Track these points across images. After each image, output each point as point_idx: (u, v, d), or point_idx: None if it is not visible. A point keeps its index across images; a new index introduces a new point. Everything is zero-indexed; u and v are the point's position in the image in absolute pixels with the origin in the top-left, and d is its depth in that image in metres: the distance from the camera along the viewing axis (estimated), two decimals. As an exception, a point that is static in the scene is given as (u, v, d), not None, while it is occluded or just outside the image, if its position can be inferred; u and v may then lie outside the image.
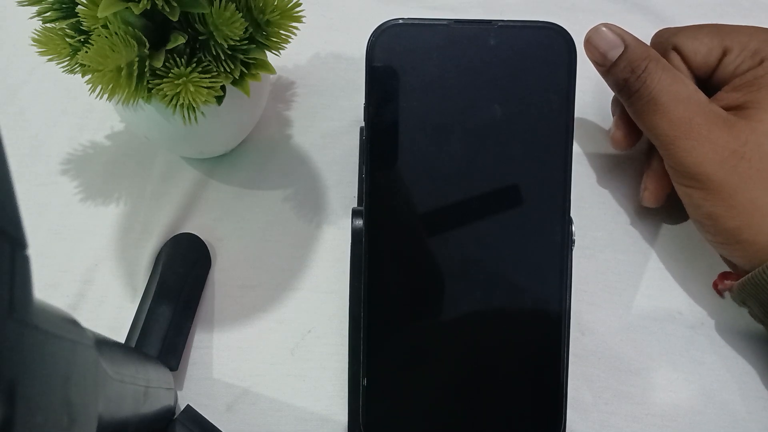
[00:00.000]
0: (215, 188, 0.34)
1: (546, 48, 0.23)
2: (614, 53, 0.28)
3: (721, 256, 0.30)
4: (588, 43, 0.29)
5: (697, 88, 0.28)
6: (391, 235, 0.24)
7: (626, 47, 0.28)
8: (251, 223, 0.33)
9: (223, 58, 0.25)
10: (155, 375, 0.25)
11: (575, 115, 0.24)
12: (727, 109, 0.28)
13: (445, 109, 0.23)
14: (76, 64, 0.26)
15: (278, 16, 0.26)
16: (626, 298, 0.32)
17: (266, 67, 0.27)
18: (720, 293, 0.31)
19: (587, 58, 0.30)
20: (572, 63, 0.23)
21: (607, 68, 0.29)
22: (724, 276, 0.30)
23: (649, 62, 0.28)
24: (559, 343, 0.24)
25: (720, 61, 0.29)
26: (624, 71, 0.28)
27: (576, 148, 0.24)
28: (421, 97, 0.23)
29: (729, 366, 0.30)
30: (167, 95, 0.25)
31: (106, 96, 0.24)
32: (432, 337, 0.24)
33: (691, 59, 0.30)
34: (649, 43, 0.31)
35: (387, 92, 0.23)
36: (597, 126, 0.36)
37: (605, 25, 0.29)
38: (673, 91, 0.27)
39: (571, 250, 0.24)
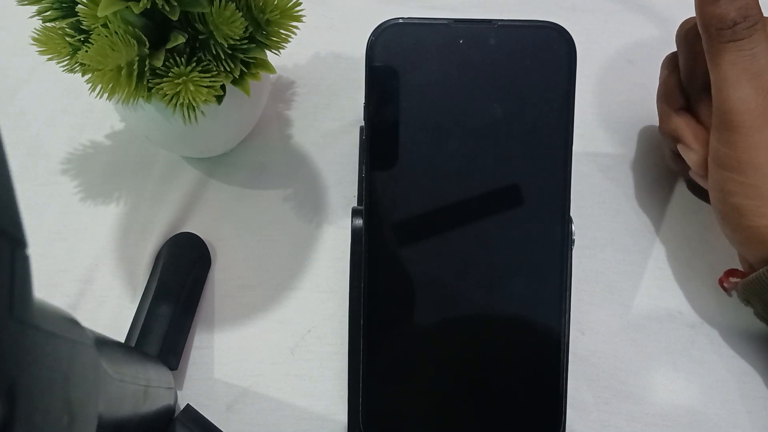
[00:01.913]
0: (215, 188, 0.34)
1: (546, 48, 0.23)
2: None
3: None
4: None
5: None
6: (391, 235, 0.24)
7: None
8: (251, 223, 0.33)
9: (223, 57, 0.25)
10: (155, 374, 0.25)
11: (575, 115, 0.24)
12: None
13: (444, 108, 0.23)
14: (76, 63, 0.26)
15: (278, 16, 0.26)
16: (626, 298, 0.32)
17: (266, 66, 0.27)
18: (726, 291, 0.30)
19: (588, 56, 0.29)
20: (572, 63, 0.23)
21: None
22: (729, 273, 0.29)
23: (763, 18, 0.25)
24: (559, 343, 0.24)
25: None
26: (738, 12, 0.25)
27: (576, 148, 0.24)
28: (421, 97, 0.23)
29: (729, 366, 0.30)
30: (167, 95, 0.25)
31: (106, 95, 0.24)
32: (431, 336, 0.24)
33: None
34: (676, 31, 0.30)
35: (387, 92, 0.23)
36: (597, 126, 0.36)
37: None
38: None
39: (571, 249, 0.24)
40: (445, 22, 0.23)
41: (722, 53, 0.26)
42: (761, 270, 0.26)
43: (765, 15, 0.26)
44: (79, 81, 0.26)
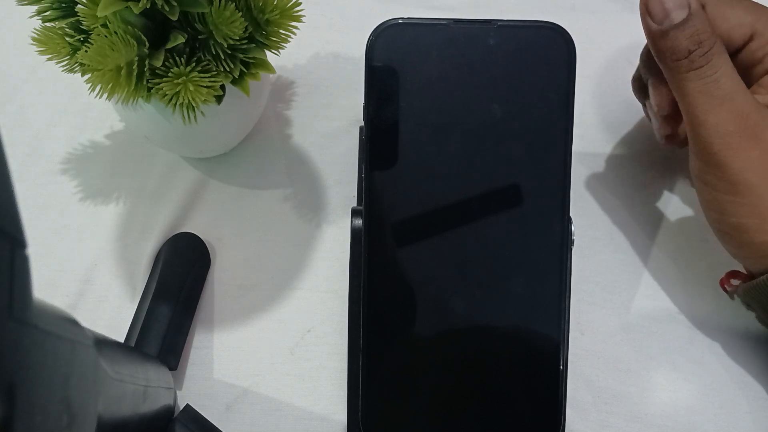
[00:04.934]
0: (215, 188, 0.34)
1: (546, 48, 0.23)
2: (678, 15, 0.25)
3: None
4: None
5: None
6: (390, 235, 0.24)
7: (691, 14, 0.25)
8: (251, 223, 0.33)
9: (222, 57, 0.25)
10: (155, 374, 0.25)
11: (575, 115, 0.24)
12: None
13: (444, 108, 0.23)
14: (76, 63, 0.26)
15: (278, 16, 0.26)
16: (626, 298, 0.32)
17: (266, 66, 0.27)
18: (728, 292, 0.30)
19: (587, 56, 0.29)
20: (572, 63, 0.23)
21: (664, 30, 0.25)
22: (731, 275, 0.29)
23: (717, 40, 0.25)
24: (559, 343, 0.24)
25: (746, 43, 0.27)
26: (690, 40, 0.25)
27: (576, 148, 0.24)
28: (421, 97, 0.23)
29: (729, 366, 0.30)
30: (167, 95, 0.25)
31: (105, 95, 0.24)
32: (430, 336, 0.24)
33: (717, 25, 0.27)
34: None
35: (386, 92, 0.23)
36: (597, 126, 0.36)
37: None
38: (736, 79, 0.25)
39: (571, 249, 0.24)
40: (444, 22, 0.23)
41: (685, 83, 0.25)
42: (762, 277, 0.26)
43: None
44: (78, 81, 0.26)
